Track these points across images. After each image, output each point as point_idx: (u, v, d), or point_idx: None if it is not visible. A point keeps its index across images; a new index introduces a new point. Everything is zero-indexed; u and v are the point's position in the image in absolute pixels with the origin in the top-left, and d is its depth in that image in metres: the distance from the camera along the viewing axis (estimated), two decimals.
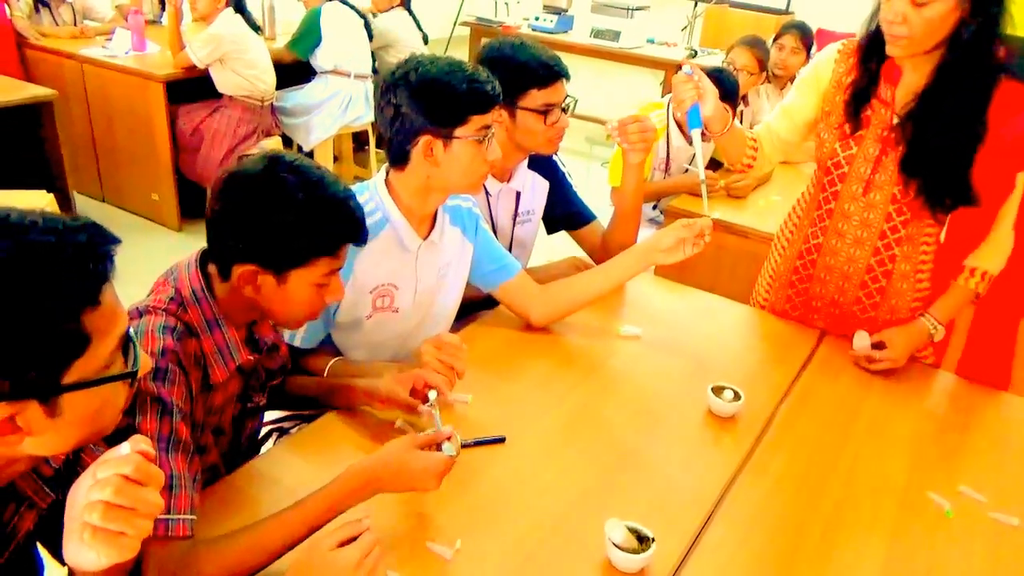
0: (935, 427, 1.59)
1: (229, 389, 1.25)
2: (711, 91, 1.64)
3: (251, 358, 1.24)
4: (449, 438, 1.19)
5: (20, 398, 0.73)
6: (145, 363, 0.84)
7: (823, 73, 1.74)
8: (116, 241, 0.79)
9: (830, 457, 1.46)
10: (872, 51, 1.62)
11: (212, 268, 1.19)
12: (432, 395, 1.26)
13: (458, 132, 1.45)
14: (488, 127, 1.48)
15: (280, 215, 1.12)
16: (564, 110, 1.82)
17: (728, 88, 2.63)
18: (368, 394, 1.40)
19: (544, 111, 1.78)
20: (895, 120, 1.62)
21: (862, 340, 1.75)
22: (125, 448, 0.74)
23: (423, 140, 1.46)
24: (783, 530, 1.27)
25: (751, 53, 3.16)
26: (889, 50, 1.53)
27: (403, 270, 1.59)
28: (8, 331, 0.71)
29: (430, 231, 1.61)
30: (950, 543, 1.28)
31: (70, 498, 0.75)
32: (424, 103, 1.43)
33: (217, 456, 1.29)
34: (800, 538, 1.26)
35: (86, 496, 0.72)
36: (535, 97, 1.76)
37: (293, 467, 1.31)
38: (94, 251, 0.77)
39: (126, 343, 0.82)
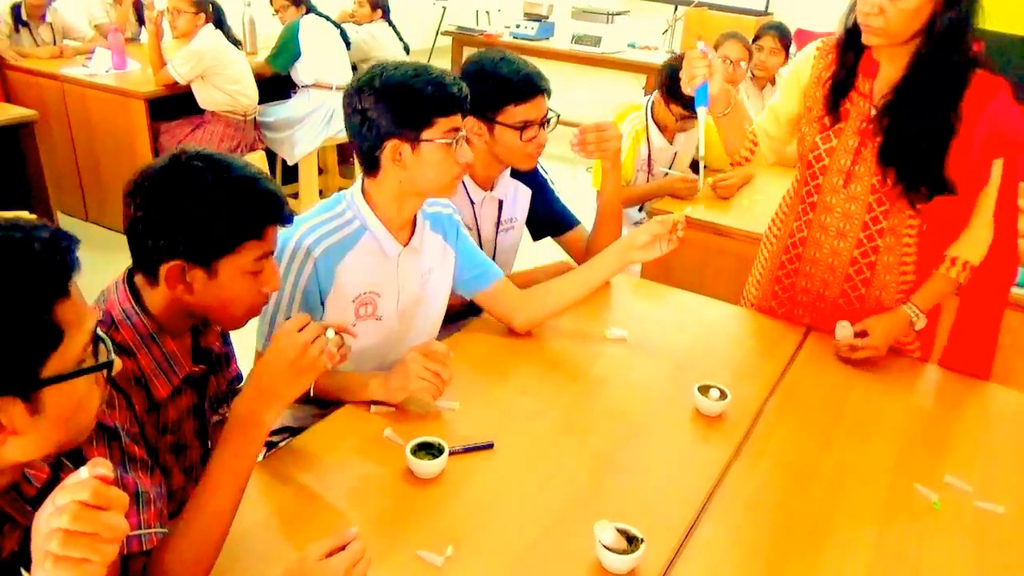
0: (920, 419, 1.60)
1: (181, 403, 1.22)
2: (720, 70, 1.66)
3: (197, 369, 1.22)
4: (337, 331, 1.18)
5: (2, 393, 0.73)
6: (117, 361, 0.85)
7: (803, 70, 1.77)
8: (77, 239, 0.81)
9: (817, 453, 1.47)
10: (850, 44, 1.65)
11: (140, 280, 1.16)
12: (329, 333, 1.18)
13: (425, 135, 1.45)
14: (457, 129, 1.48)
15: (194, 202, 1.10)
16: (544, 125, 1.82)
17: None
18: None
19: (520, 127, 1.78)
20: (873, 112, 1.65)
21: (844, 330, 1.76)
22: (83, 472, 0.73)
23: (390, 144, 1.46)
24: (772, 526, 1.28)
25: (742, 44, 3.20)
26: (865, 39, 1.56)
27: (385, 278, 1.59)
28: None
29: (410, 237, 1.61)
30: (938, 533, 1.29)
31: (35, 525, 0.74)
32: (389, 107, 1.44)
33: (183, 477, 1.26)
34: (789, 533, 1.27)
35: (46, 524, 0.71)
36: (512, 113, 1.77)
37: (280, 481, 1.31)
38: (58, 245, 0.78)
39: (95, 342, 0.82)
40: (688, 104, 2.64)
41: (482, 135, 1.82)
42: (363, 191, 1.56)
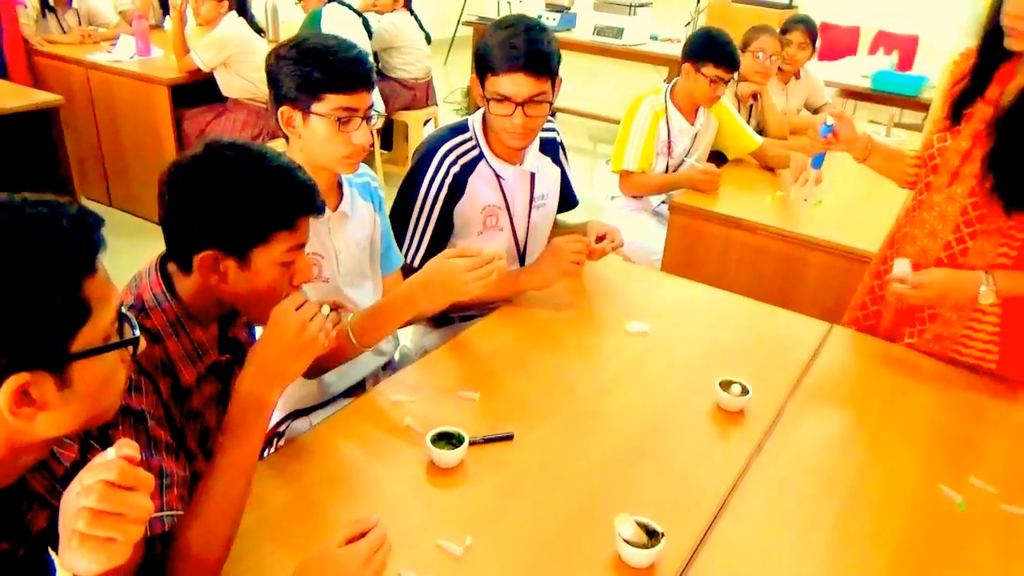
0: (945, 419, 1.58)
1: (205, 392, 1.22)
2: (848, 136, 1.85)
3: (222, 358, 1.22)
4: (332, 307, 1.20)
5: (33, 367, 0.74)
6: (142, 338, 0.85)
7: (944, 78, 1.83)
8: (102, 218, 0.81)
9: (839, 450, 1.46)
10: (987, 53, 1.64)
11: (173, 267, 1.16)
12: (324, 309, 1.19)
13: (314, 108, 1.44)
14: (352, 109, 1.45)
15: (228, 191, 1.10)
16: (523, 106, 1.68)
17: (734, 54, 2.72)
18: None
19: (495, 99, 1.69)
20: (994, 117, 1.63)
21: (902, 266, 1.70)
22: (110, 453, 0.74)
23: (283, 109, 1.47)
24: (793, 524, 1.27)
25: (776, 39, 3.17)
26: (1009, 44, 1.54)
27: (322, 240, 1.59)
28: (16, 299, 0.72)
29: (339, 203, 1.61)
30: (962, 535, 1.27)
31: (62, 504, 0.75)
32: (288, 74, 1.44)
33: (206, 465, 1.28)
34: (810, 531, 1.25)
35: (74, 502, 0.73)
36: (492, 82, 1.69)
37: (300, 469, 1.32)
38: (85, 222, 0.79)
39: (120, 320, 0.83)
40: (720, 63, 2.67)
41: (482, 96, 1.78)
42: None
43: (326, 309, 1.18)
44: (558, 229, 2.11)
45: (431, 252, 1.83)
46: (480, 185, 1.87)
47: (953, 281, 1.67)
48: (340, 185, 1.62)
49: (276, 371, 1.11)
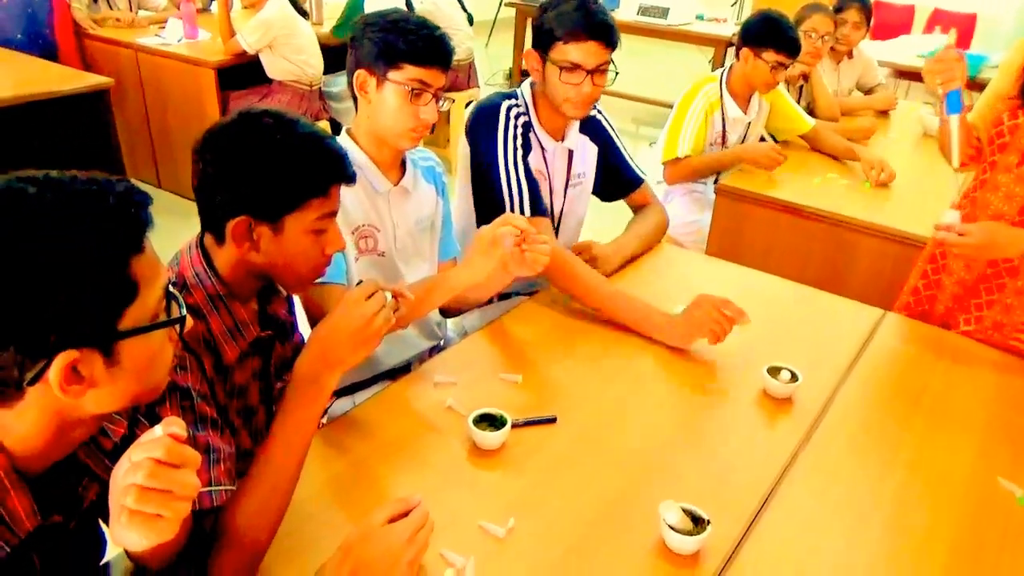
0: (1004, 410, 1.52)
1: (247, 368, 1.23)
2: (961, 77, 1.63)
3: (264, 333, 1.23)
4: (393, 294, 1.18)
5: (82, 345, 0.74)
6: (188, 317, 0.86)
7: (1015, 58, 1.71)
8: (150, 196, 0.81)
9: (892, 441, 1.41)
10: None
11: (210, 241, 1.17)
12: (387, 296, 1.17)
13: (391, 75, 1.46)
14: (424, 83, 1.47)
15: (261, 157, 1.10)
16: (593, 74, 1.72)
17: (796, 38, 2.62)
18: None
19: (565, 68, 1.72)
20: None
21: (951, 216, 1.64)
22: (158, 430, 0.75)
23: (357, 73, 1.49)
24: (843, 515, 1.24)
25: (829, 17, 3.07)
26: None
27: (379, 212, 1.59)
28: (65, 276, 0.72)
29: (400, 179, 1.61)
30: (1021, 529, 1.22)
31: (112, 480, 0.76)
32: (372, 39, 1.46)
33: (251, 440, 1.28)
34: (861, 523, 1.22)
35: (123, 479, 0.74)
36: (561, 51, 1.71)
37: (344, 447, 1.32)
38: (132, 199, 0.79)
39: (168, 299, 0.83)
40: (781, 48, 2.57)
41: (538, 70, 1.79)
42: (348, 132, 1.58)
43: (388, 296, 1.17)
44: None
45: (535, 198, 1.81)
46: (533, 146, 1.88)
47: (1000, 232, 1.61)
48: (403, 163, 1.63)
49: (338, 357, 1.11)
